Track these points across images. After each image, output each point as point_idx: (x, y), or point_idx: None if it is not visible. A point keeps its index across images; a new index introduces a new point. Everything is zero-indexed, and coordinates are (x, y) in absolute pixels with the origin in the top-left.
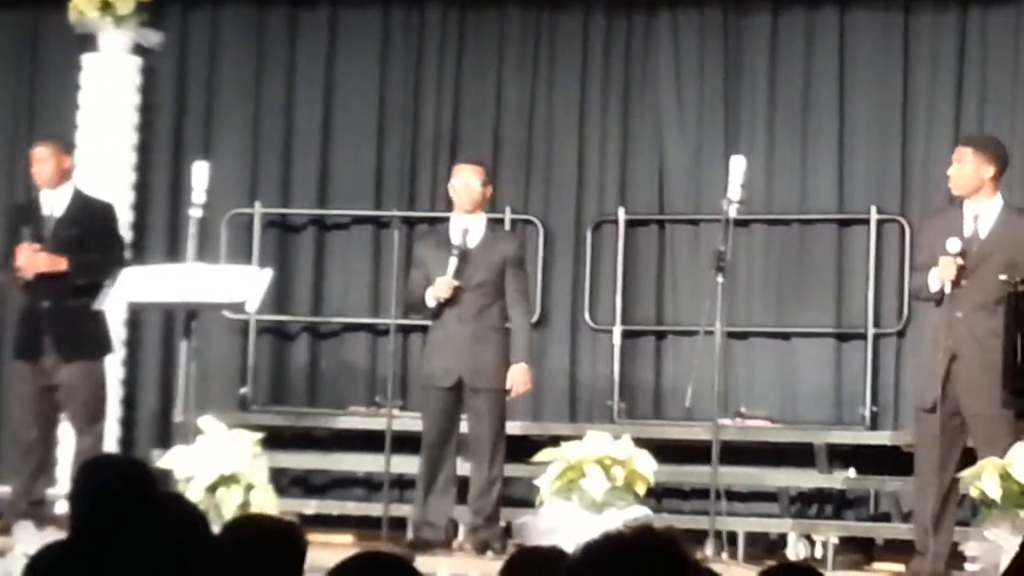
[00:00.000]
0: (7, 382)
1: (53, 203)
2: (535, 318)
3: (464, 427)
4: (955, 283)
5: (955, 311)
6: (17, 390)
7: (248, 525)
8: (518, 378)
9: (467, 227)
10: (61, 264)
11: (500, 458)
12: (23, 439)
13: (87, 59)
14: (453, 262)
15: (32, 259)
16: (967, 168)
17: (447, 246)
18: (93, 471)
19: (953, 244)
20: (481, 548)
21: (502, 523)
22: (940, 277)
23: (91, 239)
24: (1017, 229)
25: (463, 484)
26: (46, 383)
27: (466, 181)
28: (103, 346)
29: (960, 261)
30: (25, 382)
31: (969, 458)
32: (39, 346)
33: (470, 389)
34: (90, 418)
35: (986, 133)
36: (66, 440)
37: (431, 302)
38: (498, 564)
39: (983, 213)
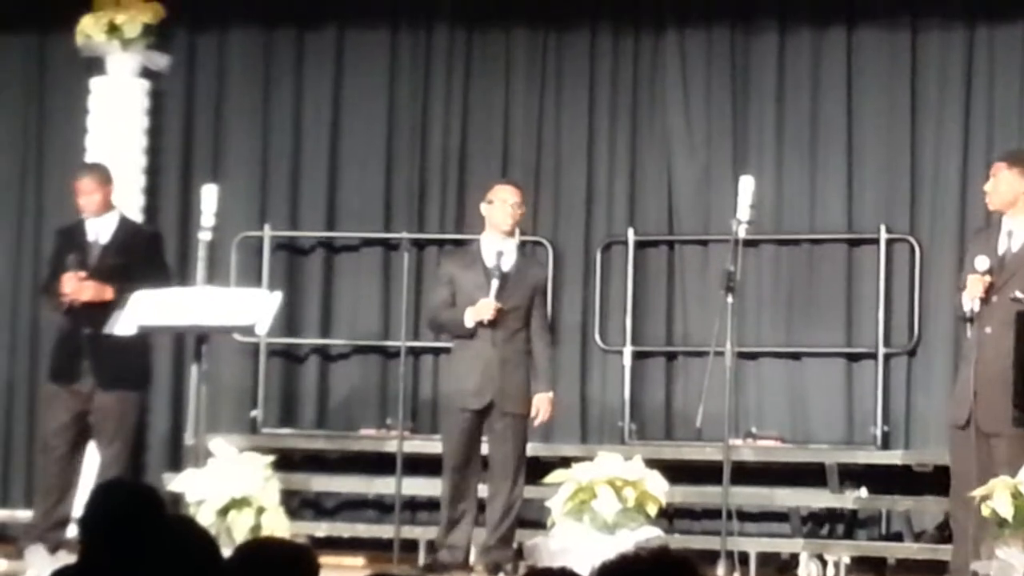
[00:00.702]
0: (42, 405)
1: (99, 229)
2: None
3: (484, 449)
4: (984, 301)
5: (984, 327)
6: (52, 413)
7: (260, 548)
8: (545, 406)
9: (501, 249)
10: (107, 293)
11: (521, 481)
12: (55, 462)
13: (95, 83)
14: (495, 283)
15: (79, 287)
16: (1002, 185)
17: (478, 266)
18: (103, 496)
19: (982, 262)
20: (493, 570)
21: (514, 544)
22: (969, 295)
23: (136, 267)
24: None
25: (481, 506)
26: (80, 408)
27: (510, 200)
28: (142, 377)
29: (988, 279)
30: (60, 406)
31: None
32: (77, 371)
33: (499, 412)
34: (123, 448)
35: (1022, 148)
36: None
37: (471, 323)
38: None
39: (1016, 228)
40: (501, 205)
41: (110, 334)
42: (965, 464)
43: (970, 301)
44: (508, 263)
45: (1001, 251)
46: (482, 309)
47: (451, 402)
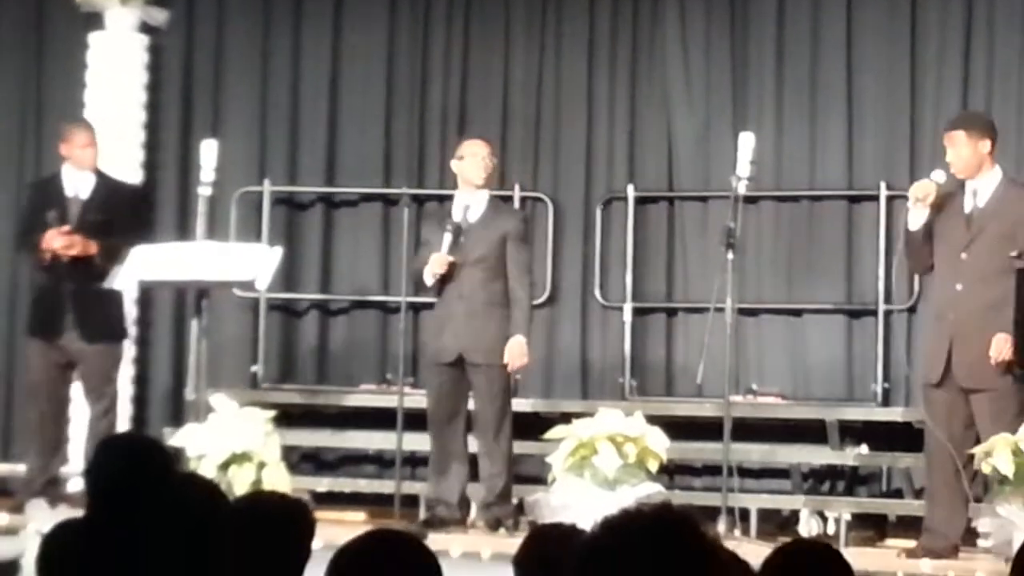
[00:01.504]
0: (24, 360)
1: (78, 183)
2: (545, 296)
3: (471, 404)
4: (936, 207)
5: (956, 283)
6: (34, 368)
7: (255, 503)
8: (515, 351)
9: (468, 203)
10: (92, 248)
11: (505, 434)
12: (39, 417)
13: (94, 38)
14: (447, 238)
15: (67, 241)
16: (964, 151)
17: (446, 222)
18: (110, 449)
19: (939, 174)
20: (494, 525)
21: (514, 500)
22: (912, 195)
23: (118, 223)
24: (1014, 201)
25: (476, 462)
26: (62, 361)
27: (480, 153)
28: (123, 329)
29: (936, 188)
30: (42, 360)
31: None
32: (59, 325)
33: (470, 365)
34: (107, 399)
35: (969, 111)
36: (77, 418)
37: (428, 279)
38: (511, 541)
39: (981, 186)
40: (472, 159)
41: (91, 288)
42: (940, 420)
43: (912, 200)
44: (475, 215)
45: (967, 210)
46: (433, 263)
47: (427, 358)
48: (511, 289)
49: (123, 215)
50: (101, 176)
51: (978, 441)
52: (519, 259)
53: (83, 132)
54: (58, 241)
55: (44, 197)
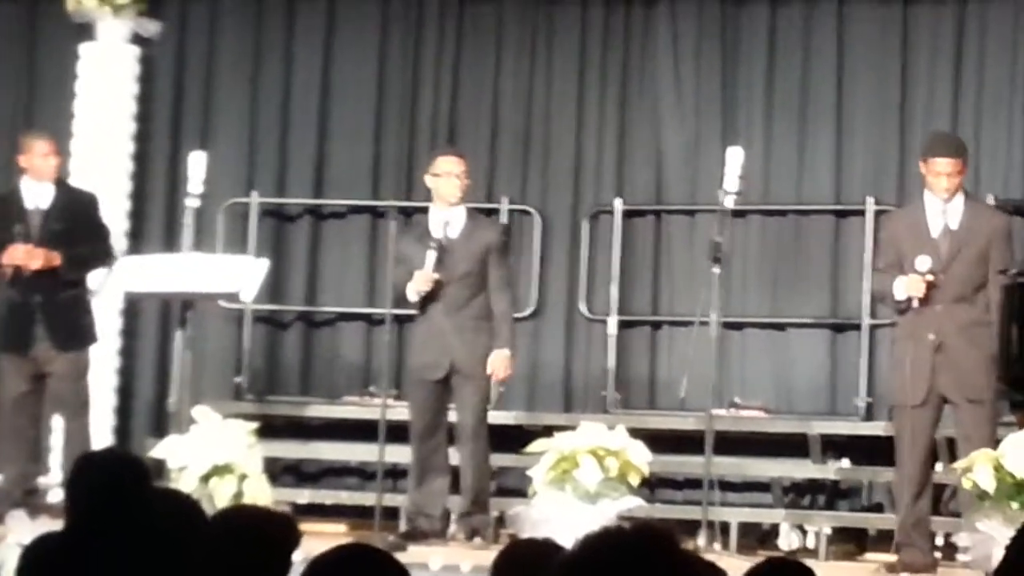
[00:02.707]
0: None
1: (37, 195)
2: (531, 308)
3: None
4: (923, 301)
5: (934, 305)
6: (10, 382)
7: (239, 517)
8: (499, 364)
9: (448, 219)
10: (56, 260)
11: (484, 441)
12: (15, 429)
13: (85, 48)
14: (431, 255)
15: (29, 254)
16: (958, 179)
17: (427, 239)
18: (91, 464)
19: (922, 262)
20: (470, 535)
21: (495, 513)
22: (908, 293)
23: (79, 232)
24: (985, 219)
25: (456, 473)
26: (36, 373)
27: (455, 171)
28: (92, 335)
29: (930, 278)
30: (17, 375)
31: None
32: (30, 338)
33: (461, 377)
34: (81, 406)
35: (948, 135)
36: (55, 428)
37: (412, 296)
38: (488, 552)
39: (950, 207)
40: (447, 178)
41: (59, 297)
42: (919, 439)
43: (907, 295)
44: (455, 231)
45: (936, 233)
46: (418, 281)
47: (412, 374)
48: (493, 302)
49: (84, 222)
50: (60, 185)
51: (953, 452)
52: (500, 273)
53: (42, 141)
54: (20, 255)
55: (4, 212)
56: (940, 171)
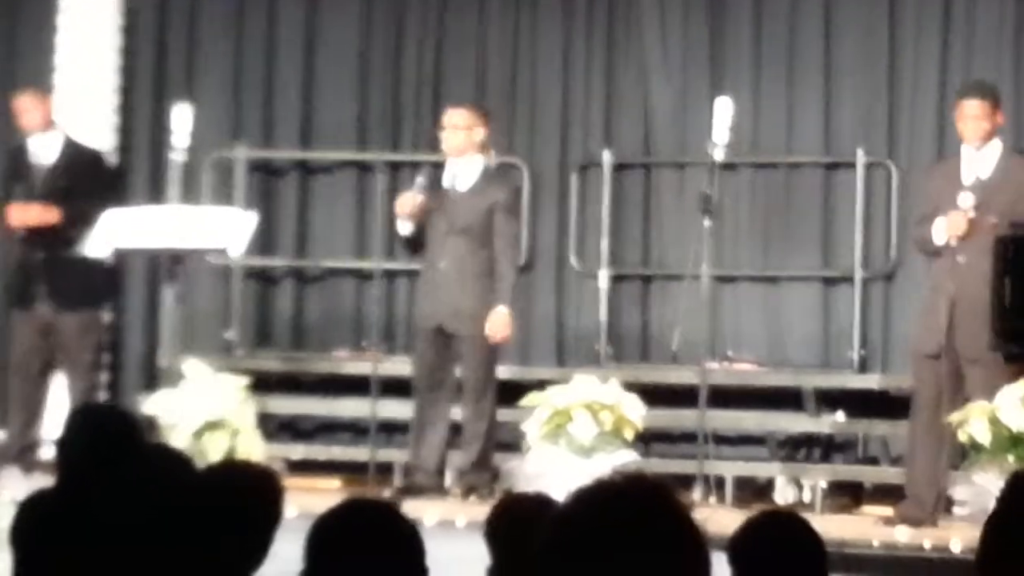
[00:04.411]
0: (8, 331)
1: (43, 150)
2: (521, 263)
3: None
4: (963, 238)
5: (958, 256)
6: (17, 338)
7: (223, 472)
8: (497, 323)
9: (456, 172)
10: (51, 216)
11: (487, 402)
12: (21, 386)
13: (66, 0)
14: (420, 181)
15: (22, 213)
16: (985, 122)
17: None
18: (80, 420)
19: (965, 199)
20: (467, 492)
21: (491, 468)
22: (948, 232)
23: (82, 188)
24: (1017, 171)
25: (456, 430)
26: (42, 330)
27: (453, 123)
28: (99, 296)
29: (972, 214)
30: (22, 330)
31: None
32: (33, 295)
33: (455, 335)
34: (88, 366)
35: (979, 79)
36: (55, 387)
37: (401, 228)
38: (483, 509)
39: (984, 157)
40: (450, 130)
41: (62, 255)
42: (931, 391)
43: (945, 236)
44: (465, 184)
45: (968, 182)
46: (400, 202)
47: (415, 324)
48: (496, 260)
49: (88, 180)
50: (67, 141)
51: None
52: (506, 231)
53: (23, 97)
54: (16, 214)
55: (15, 166)
56: (965, 114)
